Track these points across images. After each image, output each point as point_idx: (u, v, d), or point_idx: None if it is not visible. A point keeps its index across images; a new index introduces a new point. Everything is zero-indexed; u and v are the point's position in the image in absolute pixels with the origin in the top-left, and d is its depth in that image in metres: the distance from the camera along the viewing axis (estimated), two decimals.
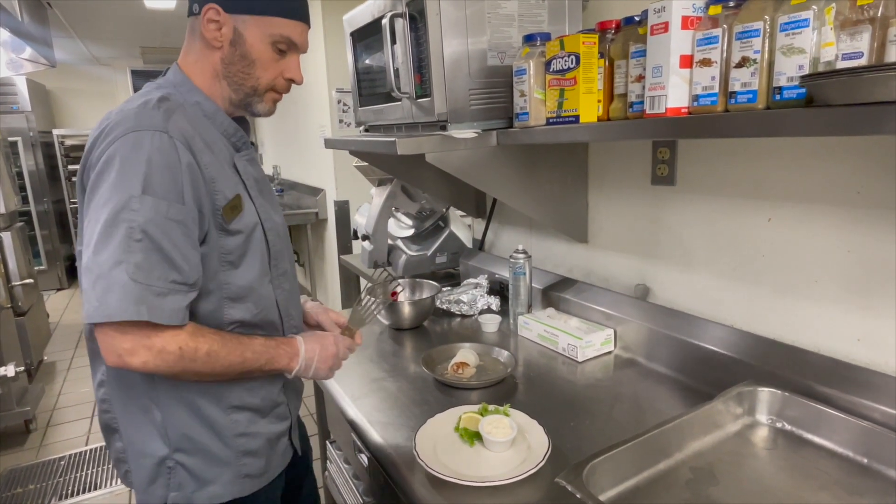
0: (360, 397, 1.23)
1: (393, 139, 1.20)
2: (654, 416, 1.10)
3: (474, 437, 0.99)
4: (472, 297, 1.75)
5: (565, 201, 1.51)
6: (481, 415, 1.02)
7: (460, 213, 2.17)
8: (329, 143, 1.68)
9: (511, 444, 0.97)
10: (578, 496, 0.75)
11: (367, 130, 1.62)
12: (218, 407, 0.90)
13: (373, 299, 1.09)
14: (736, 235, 1.17)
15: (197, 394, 0.89)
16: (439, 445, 0.99)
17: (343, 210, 3.56)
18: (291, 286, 1.03)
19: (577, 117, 1.09)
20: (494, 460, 0.94)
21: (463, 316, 1.73)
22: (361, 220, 2.25)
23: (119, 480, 2.45)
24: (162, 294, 0.77)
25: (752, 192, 1.12)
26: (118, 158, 0.78)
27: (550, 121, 1.16)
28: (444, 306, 1.75)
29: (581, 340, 1.36)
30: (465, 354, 1.34)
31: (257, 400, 0.95)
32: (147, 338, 0.77)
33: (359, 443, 1.14)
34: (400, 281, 1.76)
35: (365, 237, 2.18)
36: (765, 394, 1.02)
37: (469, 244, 2.16)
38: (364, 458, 1.18)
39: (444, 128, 1.25)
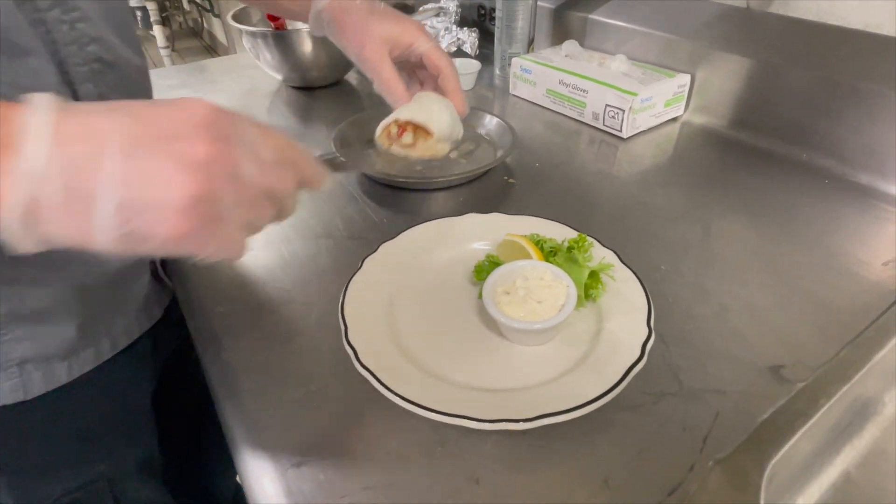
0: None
1: None
2: (812, 245, 0.52)
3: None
4: (431, 31, 1.03)
5: None
6: (549, 251, 0.47)
7: None
8: None
9: (551, 335, 0.42)
10: None
11: None
12: None
13: None
14: None
15: None
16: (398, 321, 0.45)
17: None
18: None
19: None
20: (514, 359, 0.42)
21: None
22: None
23: None
24: None
25: None
26: None
27: None
28: None
29: (636, 97, 0.71)
30: (424, 108, 0.55)
31: None
32: None
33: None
34: None
35: None
36: None
37: None
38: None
39: None
